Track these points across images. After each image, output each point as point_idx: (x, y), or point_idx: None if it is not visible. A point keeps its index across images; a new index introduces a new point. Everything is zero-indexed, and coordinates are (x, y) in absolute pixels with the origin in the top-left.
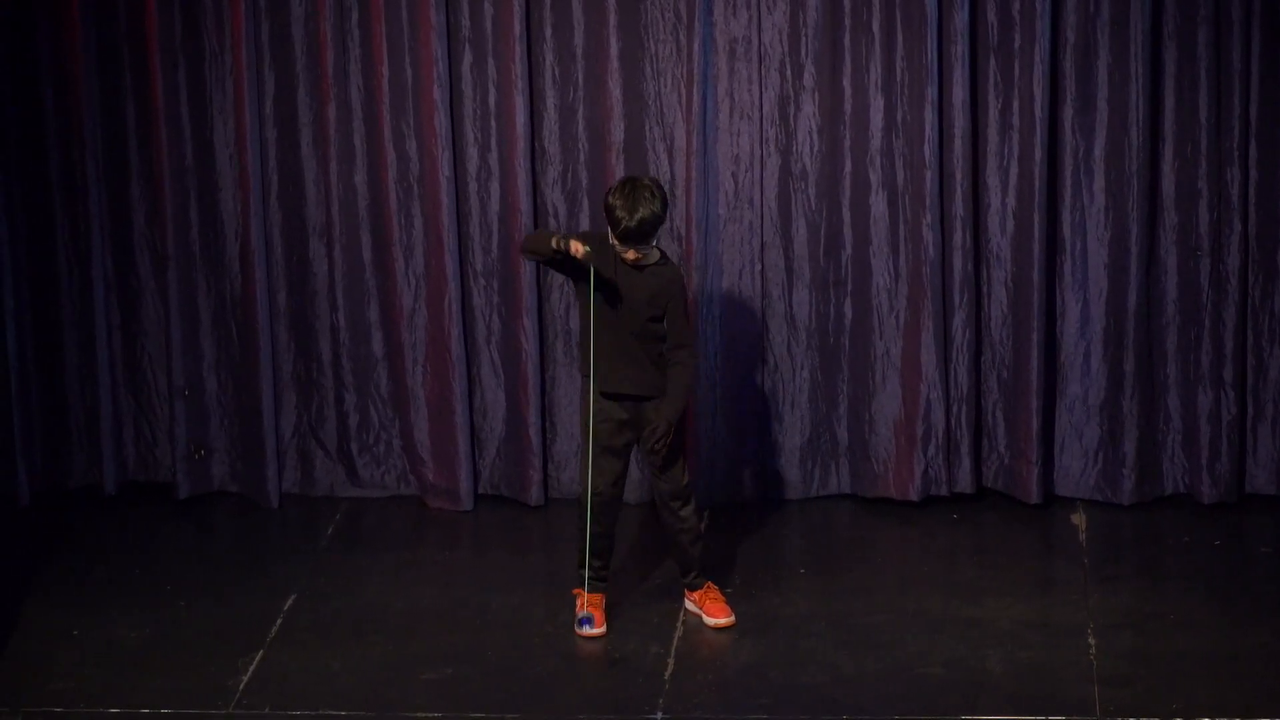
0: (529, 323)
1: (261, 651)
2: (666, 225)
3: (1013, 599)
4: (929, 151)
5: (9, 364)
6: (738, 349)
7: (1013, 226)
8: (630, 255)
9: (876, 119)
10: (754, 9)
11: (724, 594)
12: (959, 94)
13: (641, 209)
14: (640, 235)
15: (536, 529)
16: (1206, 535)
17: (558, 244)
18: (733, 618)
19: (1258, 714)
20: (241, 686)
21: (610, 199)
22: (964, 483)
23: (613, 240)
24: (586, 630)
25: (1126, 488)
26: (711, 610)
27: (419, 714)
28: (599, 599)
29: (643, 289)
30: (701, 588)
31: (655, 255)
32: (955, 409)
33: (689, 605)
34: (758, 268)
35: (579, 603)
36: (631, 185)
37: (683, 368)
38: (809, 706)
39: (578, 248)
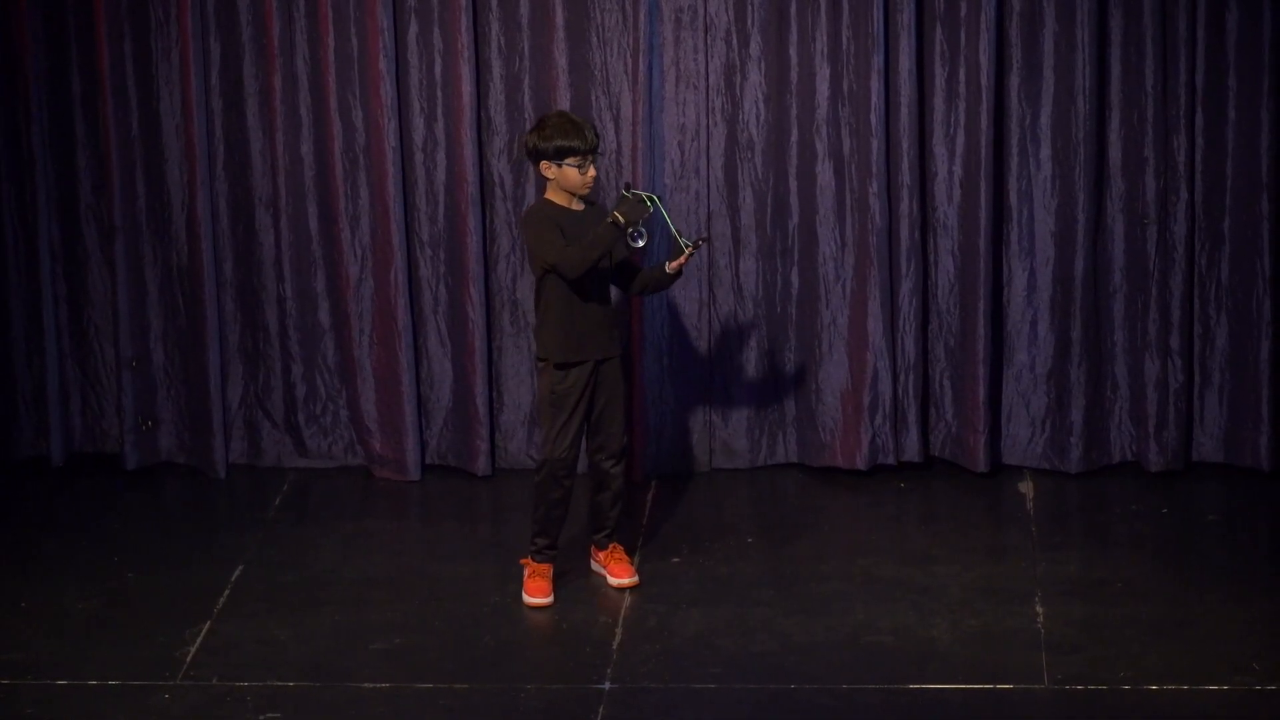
0: (476, 293)
1: (209, 622)
2: (613, 194)
3: (961, 567)
4: (876, 120)
5: None
6: (684, 319)
7: (959, 195)
8: (593, 173)
9: (823, 88)
10: None
11: (630, 556)
12: (905, 63)
13: (579, 120)
14: (598, 140)
15: (484, 499)
16: (1153, 503)
17: (615, 218)
18: (636, 578)
19: (1205, 681)
20: (189, 657)
21: (546, 144)
22: (911, 451)
23: (574, 171)
24: (639, 242)
25: (1074, 456)
26: (615, 570)
27: (367, 684)
28: (547, 569)
29: (595, 217)
30: (607, 548)
31: None
32: (902, 378)
33: (594, 565)
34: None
35: (527, 571)
36: (554, 119)
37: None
38: (758, 675)
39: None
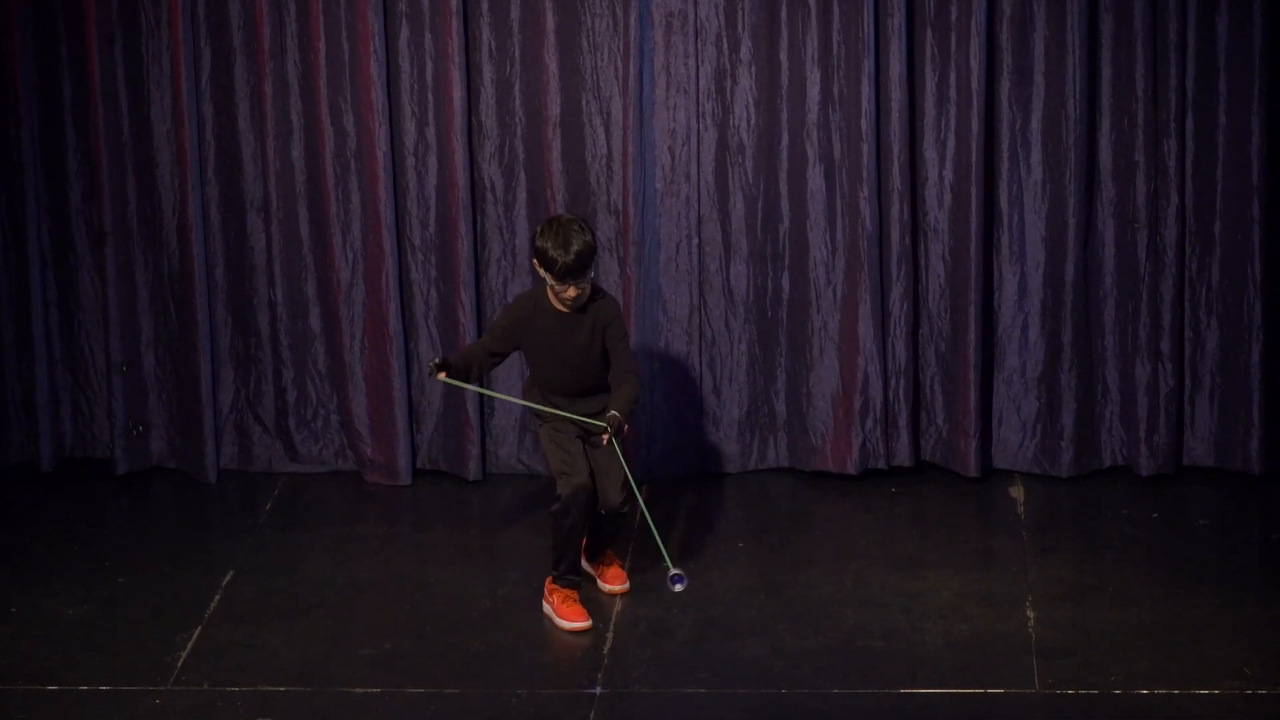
0: (467, 297)
1: (200, 627)
2: (604, 199)
3: (952, 571)
4: (866, 125)
5: None
6: (675, 323)
7: (950, 199)
8: (571, 293)
9: (813, 92)
10: None
11: (621, 562)
12: (896, 67)
13: (575, 241)
14: (580, 269)
15: (475, 503)
16: (1144, 507)
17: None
18: (627, 584)
19: (1196, 685)
20: (180, 663)
21: (538, 243)
22: (902, 456)
23: (551, 284)
24: (677, 586)
25: (1065, 460)
26: (608, 577)
27: (358, 689)
28: (574, 593)
29: (584, 327)
30: (599, 556)
31: (588, 291)
32: (893, 382)
33: (583, 564)
34: (695, 242)
35: (556, 598)
36: (557, 224)
37: (631, 385)
38: (748, 680)
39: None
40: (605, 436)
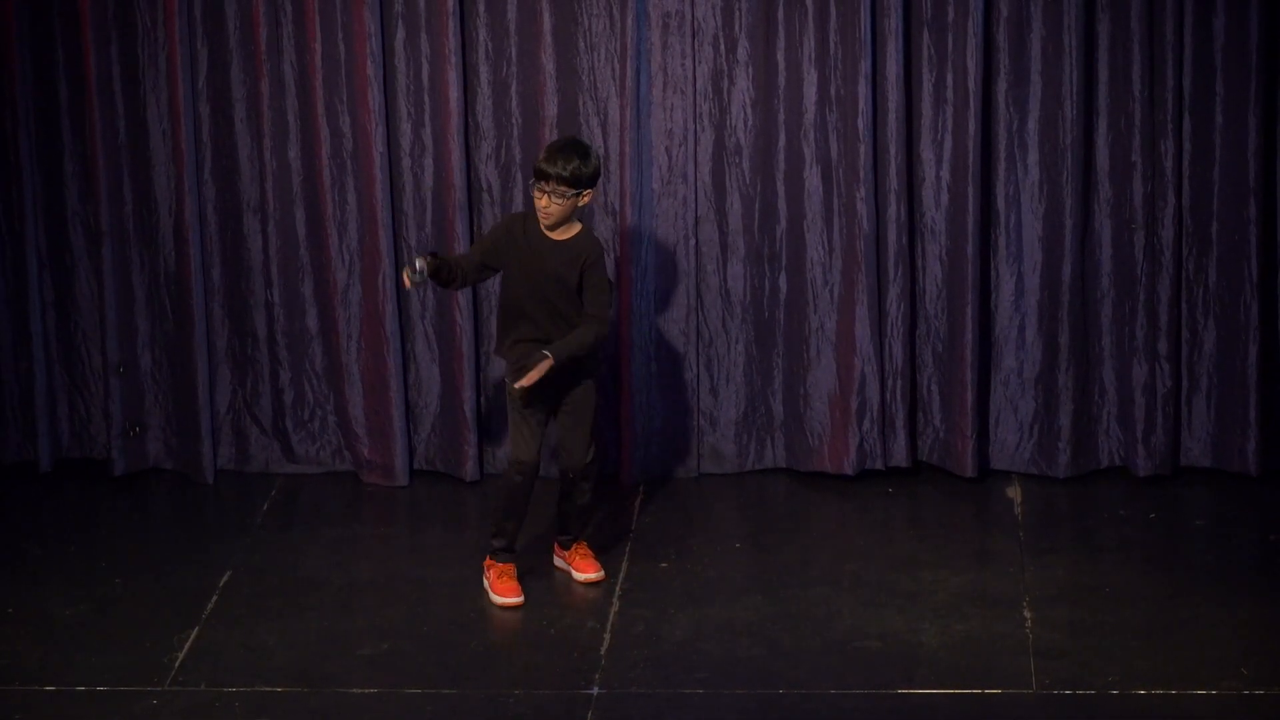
0: (463, 298)
1: (197, 628)
2: (601, 200)
3: (949, 572)
4: (863, 125)
5: None
6: (672, 324)
7: (947, 200)
8: (541, 201)
9: (810, 93)
10: None
11: (593, 551)
12: (893, 68)
13: (558, 153)
14: (543, 174)
15: (472, 504)
16: (1141, 508)
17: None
18: (602, 573)
19: (1193, 685)
20: (178, 663)
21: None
22: (899, 456)
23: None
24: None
25: (1062, 461)
26: (581, 566)
27: (355, 689)
28: (510, 568)
29: (562, 256)
30: (571, 547)
31: (575, 229)
32: (890, 383)
33: (557, 562)
34: (692, 242)
35: (492, 574)
36: (563, 138)
37: (586, 329)
38: (745, 680)
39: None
40: (527, 376)
